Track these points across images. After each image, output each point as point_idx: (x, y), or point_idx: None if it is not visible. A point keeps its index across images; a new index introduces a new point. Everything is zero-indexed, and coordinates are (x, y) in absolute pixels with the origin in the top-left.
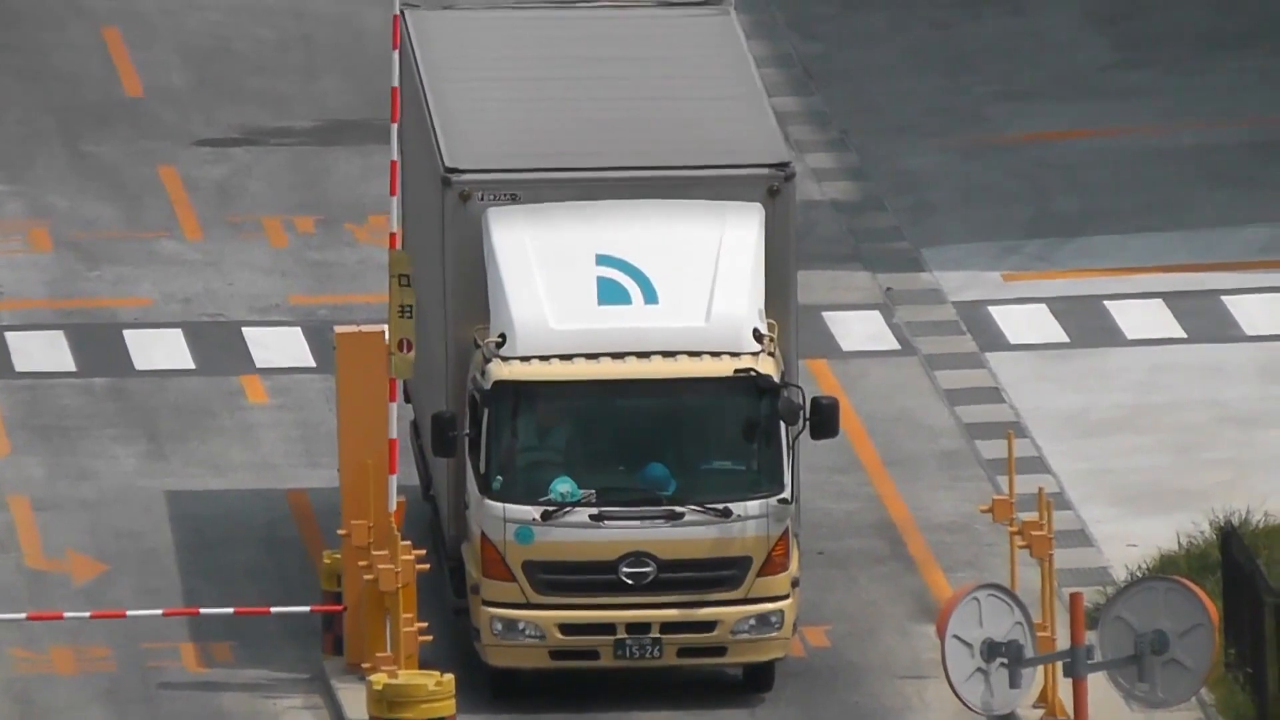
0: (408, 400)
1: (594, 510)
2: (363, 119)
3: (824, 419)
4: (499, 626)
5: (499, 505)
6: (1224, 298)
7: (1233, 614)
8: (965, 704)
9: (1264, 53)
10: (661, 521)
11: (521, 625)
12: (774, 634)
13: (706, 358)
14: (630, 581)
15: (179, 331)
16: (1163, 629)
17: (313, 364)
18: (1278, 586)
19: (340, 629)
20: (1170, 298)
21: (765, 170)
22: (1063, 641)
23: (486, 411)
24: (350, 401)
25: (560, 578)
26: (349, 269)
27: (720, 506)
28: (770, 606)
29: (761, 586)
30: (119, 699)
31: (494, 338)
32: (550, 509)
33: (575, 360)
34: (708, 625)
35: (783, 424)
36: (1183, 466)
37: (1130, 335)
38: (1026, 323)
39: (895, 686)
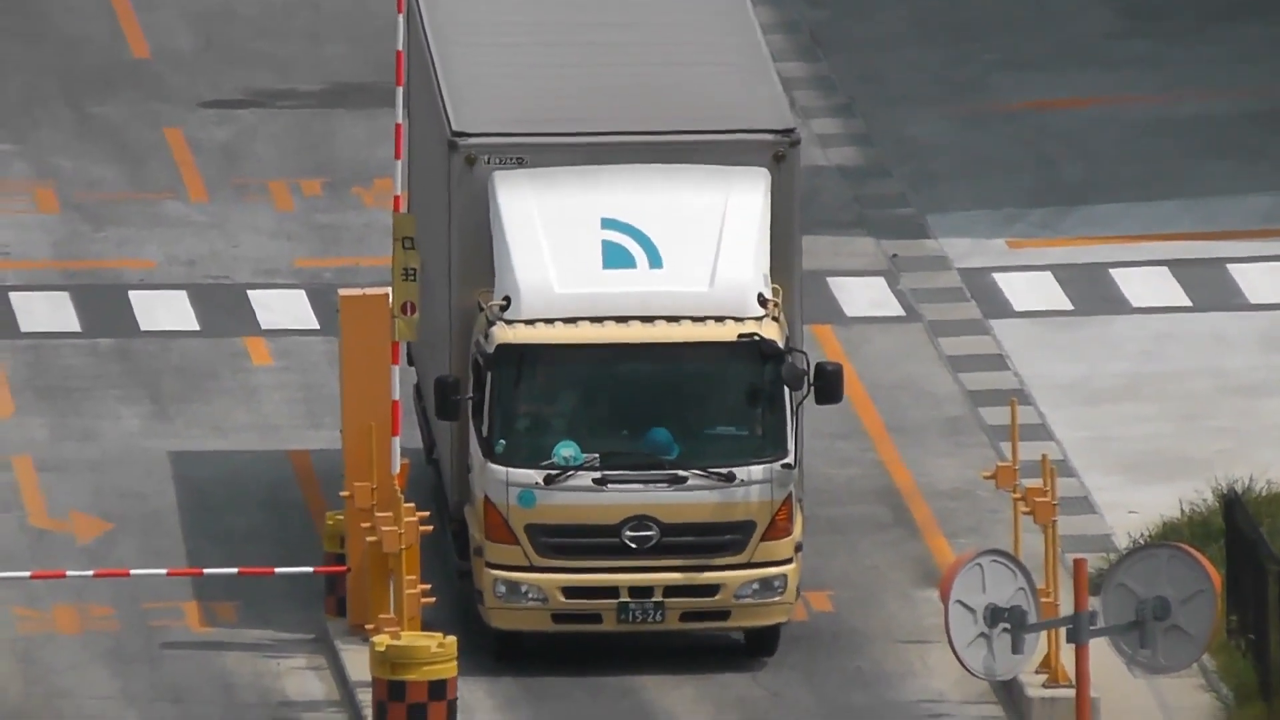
0: (410, 363)
1: (597, 474)
2: (369, 82)
3: (828, 384)
4: (502, 589)
5: (502, 469)
6: (1228, 266)
7: (1235, 581)
8: (968, 669)
9: (1268, 22)
10: (665, 485)
11: (524, 588)
12: (777, 598)
13: (710, 322)
14: (633, 545)
15: (184, 293)
16: (1165, 596)
17: (316, 326)
18: None
19: (343, 590)
20: (1174, 266)
21: (771, 136)
22: (1065, 607)
23: (490, 375)
24: (354, 364)
25: (563, 541)
26: (354, 232)
27: (724, 471)
28: (773, 571)
29: (765, 551)
30: (122, 658)
31: (498, 301)
32: (553, 472)
33: (579, 324)
34: (711, 589)
35: (787, 389)
36: (1186, 434)
37: (1134, 303)
38: (1030, 290)
39: (898, 651)
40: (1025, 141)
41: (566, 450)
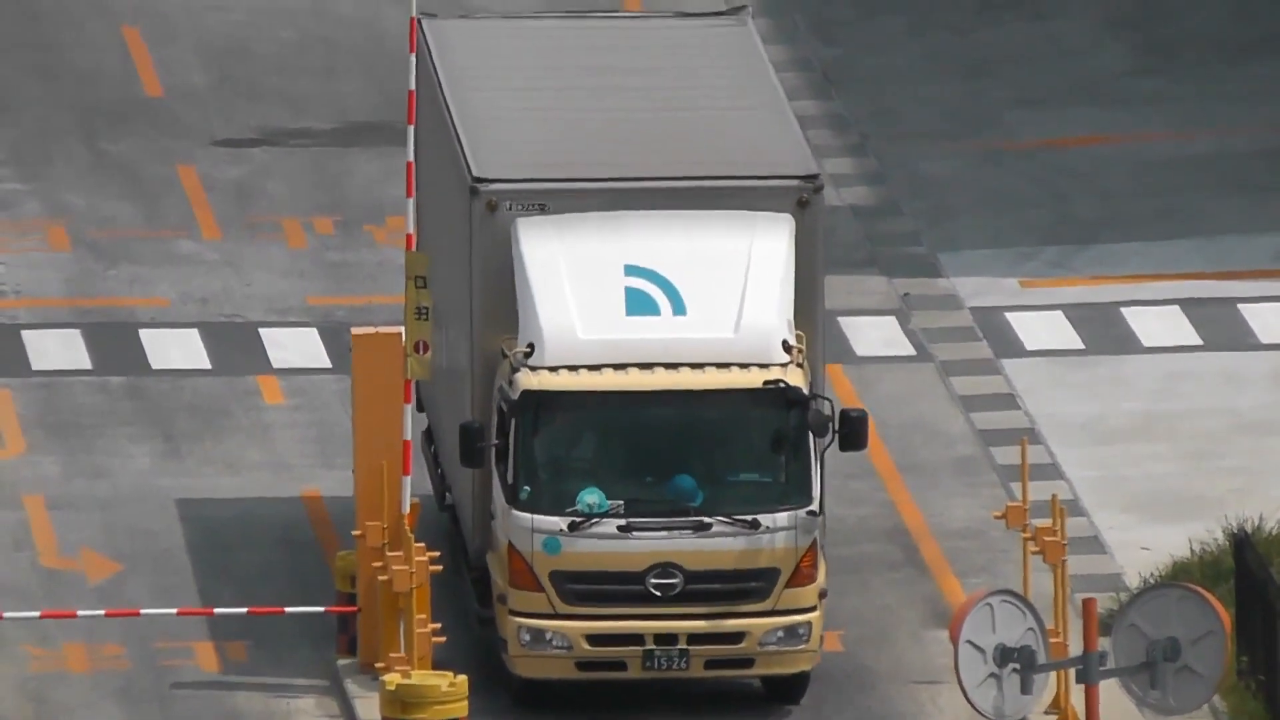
0: (420, 409)
1: (622, 521)
2: (382, 121)
3: (853, 431)
4: (526, 637)
5: (527, 516)
6: (1240, 306)
7: (1245, 621)
8: (977, 709)
9: None
10: (689, 532)
11: (549, 635)
12: (802, 646)
13: (735, 369)
14: (658, 593)
15: (196, 331)
16: (1175, 636)
17: (329, 365)
18: None
19: (354, 629)
20: (1186, 305)
21: (795, 182)
22: (1075, 648)
23: (514, 421)
24: (366, 403)
25: (588, 588)
26: (367, 270)
27: (748, 518)
28: (798, 618)
29: (789, 598)
30: (132, 698)
31: (522, 348)
32: (578, 519)
33: (603, 371)
34: (735, 636)
35: (811, 436)
36: (1197, 474)
37: (1146, 342)
38: (1042, 329)
39: (908, 691)
40: (1038, 179)
41: (591, 497)
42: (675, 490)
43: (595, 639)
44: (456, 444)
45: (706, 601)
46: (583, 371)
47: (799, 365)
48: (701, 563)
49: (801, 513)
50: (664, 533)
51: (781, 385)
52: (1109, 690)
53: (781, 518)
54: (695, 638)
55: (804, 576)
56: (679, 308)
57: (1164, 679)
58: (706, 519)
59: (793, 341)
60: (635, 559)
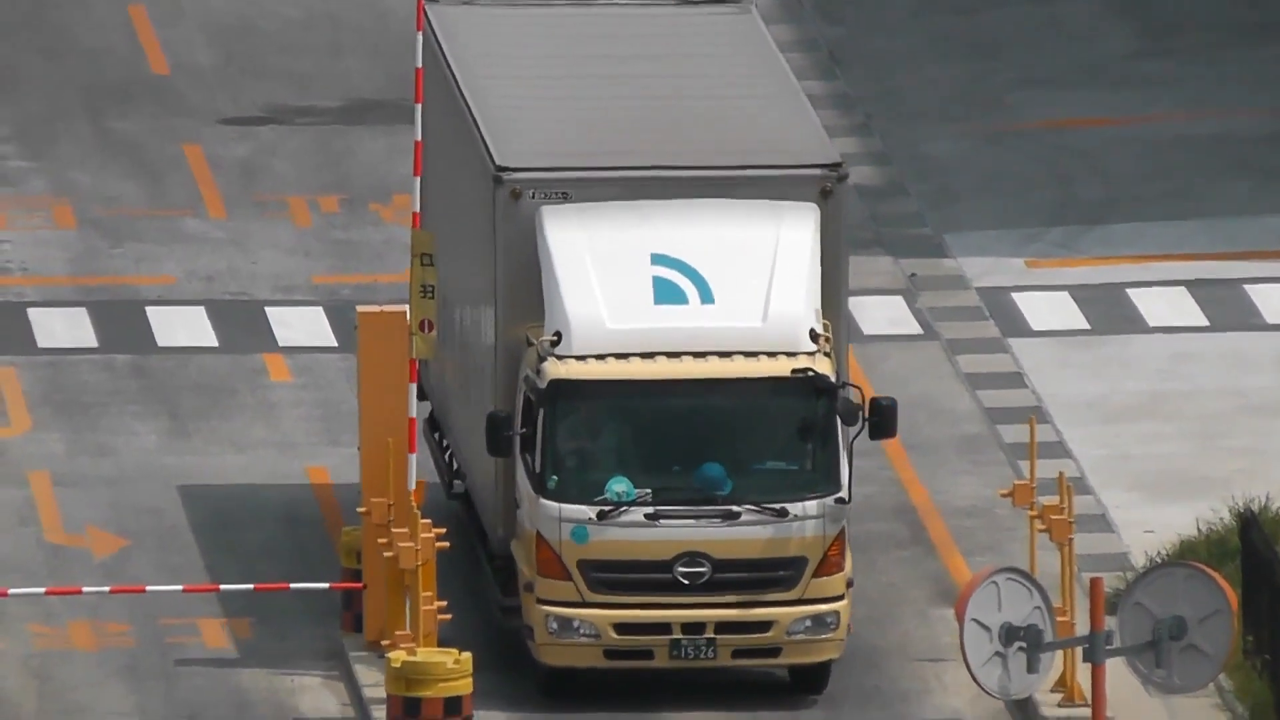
0: (422, 397)
1: (650, 510)
2: (388, 99)
3: (883, 419)
4: (554, 625)
5: (554, 505)
6: (1246, 286)
7: (1251, 601)
8: (983, 688)
9: None
10: (717, 521)
11: (576, 624)
12: (829, 635)
13: (763, 358)
14: (685, 581)
15: (202, 309)
16: (1181, 615)
17: (334, 343)
18: None
19: (359, 606)
20: (1192, 286)
21: (819, 171)
22: (1082, 627)
23: (542, 410)
24: (371, 381)
25: (616, 577)
26: (373, 248)
27: (777, 507)
28: (826, 608)
29: (817, 587)
30: (138, 675)
31: (549, 336)
32: (606, 508)
33: (631, 359)
34: (763, 625)
35: (840, 424)
36: (1203, 453)
37: (1152, 323)
38: (1049, 309)
39: (914, 669)
40: (1043, 160)
41: (619, 486)
42: (703, 479)
43: (623, 627)
44: (475, 432)
45: (734, 590)
46: (611, 360)
47: (826, 354)
48: (729, 551)
49: (830, 501)
50: (692, 521)
51: (810, 374)
52: (1115, 669)
53: (810, 506)
54: (723, 627)
55: (832, 565)
56: (706, 296)
57: (1170, 658)
58: (735, 508)
59: (820, 330)
60: (663, 548)
